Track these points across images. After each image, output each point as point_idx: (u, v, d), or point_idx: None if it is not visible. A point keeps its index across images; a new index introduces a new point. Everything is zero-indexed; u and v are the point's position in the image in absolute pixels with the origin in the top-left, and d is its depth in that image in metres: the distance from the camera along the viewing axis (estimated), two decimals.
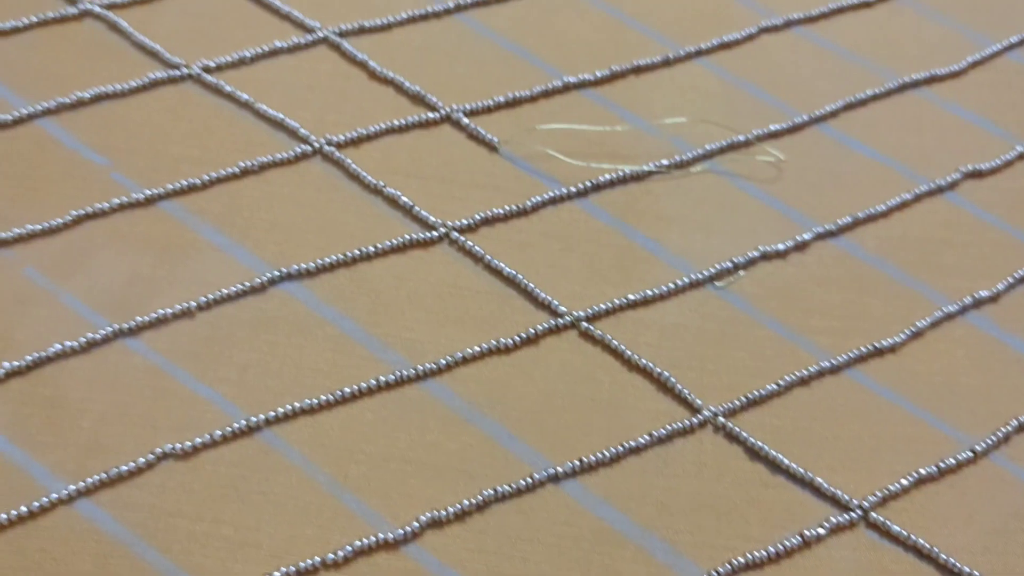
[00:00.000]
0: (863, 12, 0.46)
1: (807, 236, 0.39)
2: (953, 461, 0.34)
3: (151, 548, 0.30)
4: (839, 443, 0.34)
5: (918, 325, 0.37)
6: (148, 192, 0.37)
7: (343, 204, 0.38)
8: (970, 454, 0.34)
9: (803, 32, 0.45)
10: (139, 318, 0.35)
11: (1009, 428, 0.34)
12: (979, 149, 0.42)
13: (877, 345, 0.36)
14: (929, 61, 0.44)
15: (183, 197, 0.38)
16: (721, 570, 0.31)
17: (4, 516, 0.30)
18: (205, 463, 0.32)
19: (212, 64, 0.41)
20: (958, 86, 0.44)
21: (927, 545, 0.32)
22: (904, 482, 0.33)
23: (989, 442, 0.34)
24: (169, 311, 0.35)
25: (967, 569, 0.32)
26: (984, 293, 0.37)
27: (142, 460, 0.32)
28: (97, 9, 0.42)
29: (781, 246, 0.38)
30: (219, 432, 0.33)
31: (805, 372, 0.35)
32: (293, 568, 0.30)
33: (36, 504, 0.31)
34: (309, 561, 0.30)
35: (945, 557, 0.32)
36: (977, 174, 0.41)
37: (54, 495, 0.31)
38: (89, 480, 0.31)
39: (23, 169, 0.38)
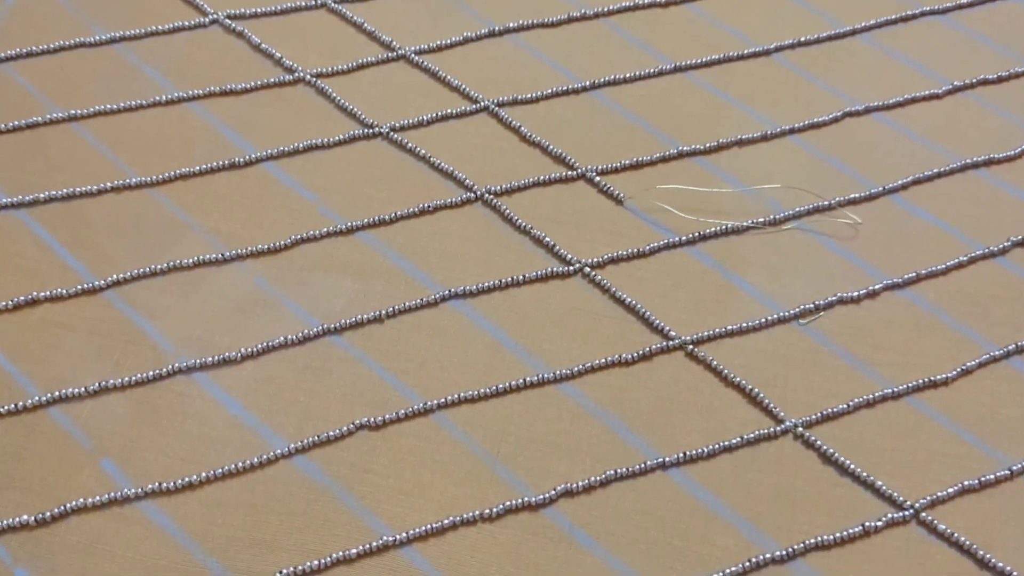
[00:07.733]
0: (933, 102, 0.54)
1: (878, 286, 0.46)
2: (992, 477, 0.41)
3: (349, 495, 0.40)
4: (897, 455, 0.41)
5: (967, 364, 0.44)
6: (348, 224, 0.47)
7: (498, 241, 0.47)
8: (1007, 472, 0.41)
9: (881, 117, 0.53)
10: (343, 321, 0.44)
11: None
12: None
13: (932, 379, 0.44)
14: (988, 146, 0.52)
15: (374, 229, 0.47)
16: (796, 547, 0.39)
17: (240, 465, 0.40)
18: (391, 434, 0.41)
19: (398, 125, 0.51)
20: (1012, 168, 0.51)
21: (968, 542, 0.39)
22: (951, 490, 0.41)
23: (1022, 464, 0.41)
24: (365, 316, 0.44)
25: (1001, 564, 0.39)
26: None
27: (344, 428, 0.41)
28: (308, 77, 0.52)
29: (855, 293, 0.46)
30: (402, 411, 0.42)
31: (871, 396, 0.43)
32: (458, 518, 0.39)
33: (264, 457, 0.40)
34: (469, 515, 0.39)
35: (983, 553, 0.39)
36: None
37: (277, 451, 0.40)
38: (304, 441, 0.41)
39: (252, 201, 0.48)
